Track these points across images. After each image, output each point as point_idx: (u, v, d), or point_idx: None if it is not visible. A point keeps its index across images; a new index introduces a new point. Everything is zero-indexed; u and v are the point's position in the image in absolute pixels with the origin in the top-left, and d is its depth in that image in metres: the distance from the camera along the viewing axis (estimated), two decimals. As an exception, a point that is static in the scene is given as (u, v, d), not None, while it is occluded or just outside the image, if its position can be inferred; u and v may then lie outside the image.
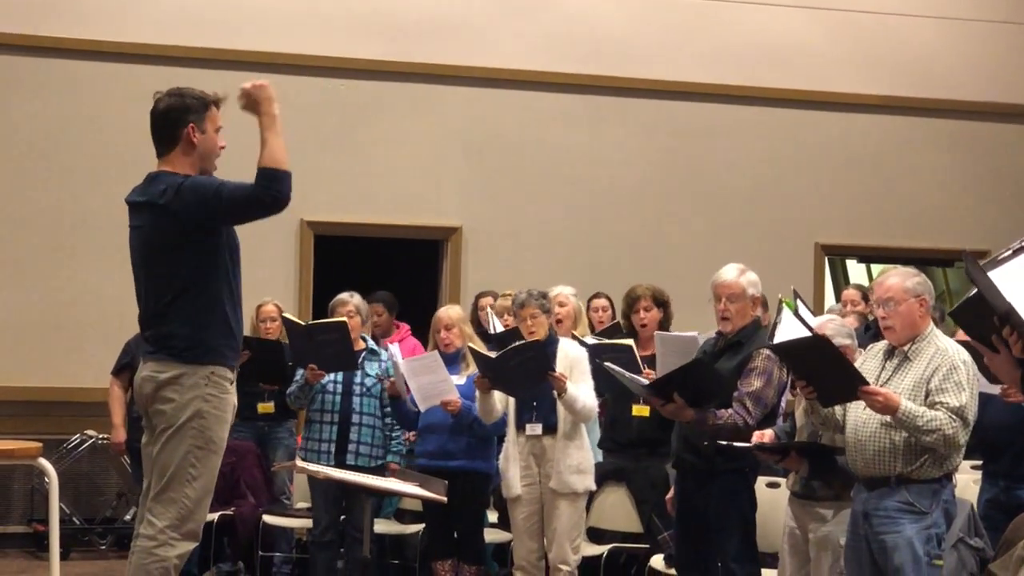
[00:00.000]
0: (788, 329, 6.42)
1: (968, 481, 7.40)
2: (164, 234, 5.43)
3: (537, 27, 12.42)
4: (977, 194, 13.46)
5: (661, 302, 8.56)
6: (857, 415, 5.97)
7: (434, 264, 12.41)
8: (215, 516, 8.88)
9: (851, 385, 5.77)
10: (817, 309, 10.92)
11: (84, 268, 11.24)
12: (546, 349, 7.63)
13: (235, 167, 5.62)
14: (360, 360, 8.52)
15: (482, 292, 10.59)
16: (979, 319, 4.04)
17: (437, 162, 12.18)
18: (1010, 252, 4.02)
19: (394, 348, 8.70)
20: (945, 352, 5.86)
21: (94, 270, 11.13)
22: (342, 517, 8.51)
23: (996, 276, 3.93)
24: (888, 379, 5.93)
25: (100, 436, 10.63)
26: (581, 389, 7.63)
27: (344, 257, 12.05)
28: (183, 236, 5.40)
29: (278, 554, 9.47)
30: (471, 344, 8.11)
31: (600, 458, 8.21)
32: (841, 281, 14.36)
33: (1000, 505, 7.09)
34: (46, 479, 7.56)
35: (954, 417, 5.75)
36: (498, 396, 7.77)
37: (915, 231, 13.33)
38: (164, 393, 5.43)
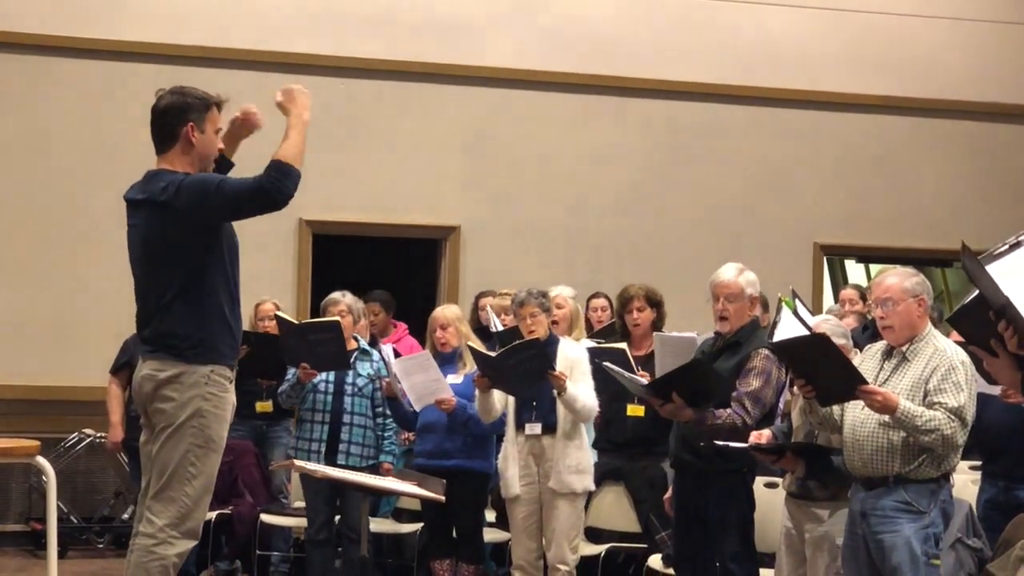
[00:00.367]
0: (787, 328, 6.43)
1: (966, 481, 7.40)
2: (164, 232, 5.42)
3: (535, 27, 12.42)
4: (976, 194, 13.46)
5: (654, 302, 8.54)
6: (855, 415, 5.97)
7: (432, 263, 12.40)
8: (213, 515, 8.88)
9: (850, 384, 5.77)
10: (816, 309, 10.92)
11: (82, 266, 11.23)
12: (546, 348, 7.62)
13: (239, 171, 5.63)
14: (352, 360, 8.51)
15: (482, 292, 10.59)
16: (977, 323, 4.03)
17: (436, 161, 12.18)
18: (1007, 247, 4.01)
19: (387, 348, 8.70)
20: (943, 352, 5.86)
21: (92, 268, 11.12)
22: (336, 516, 8.51)
23: (993, 271, 3.92)
24: (886, 379, 5.93)
25: (98, 435, 10.63)
26: (581, 389, 7.62)
27: (342, 256, 12.05)
28: (183, 234, 5.39)
29: (276, 553, 9.47)
30: (470, 343, 8.10)
31: (595, 458, 8.21)
32: (840, 281, 14.36)
33: (999, 506, 7.10)
34: (44, 478, 7.56)
35: (952, 417, 5.75)
36: (497, 395, 7.77)
37: (914, 231, 13.33)
38: (164, 392, 5.43)
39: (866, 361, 6.10)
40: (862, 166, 13.21)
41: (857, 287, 10.87)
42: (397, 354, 8.81)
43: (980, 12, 13.53)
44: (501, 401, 7.82)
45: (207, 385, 5.42)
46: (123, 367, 9.39)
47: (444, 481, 6.63)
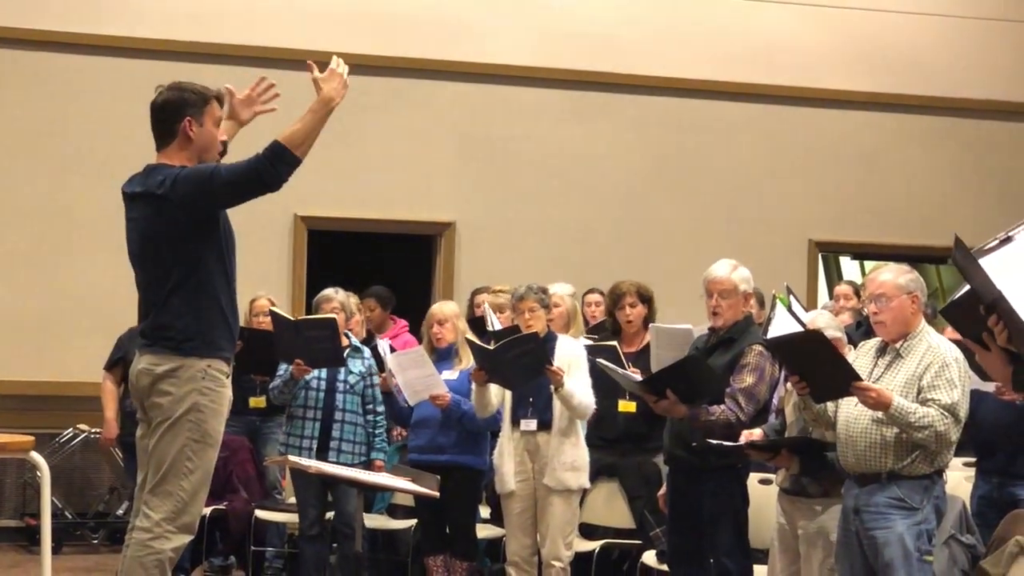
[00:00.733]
0: (782, 325, 6.44)
1: (960, 478, 7.41)
2: (162, 225, 5.42)
3: (529, 23, 12.42)
4: (970, 191, 13.48)
5: (646, 298, 8.54)
6: (849, 411, 5.98)
7: (427, 259, 12.40)
8: (207, 511, 8.86)
9: (844, 381, 5.78)
10: (810, 305, 10.93)
11: (76, 262, 11.23)
12: (544, 342, 7.62)
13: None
14: (344, 357, 8.50)
15: (478, 288, 10.59)
16: (969, 317, 4.03)
17: (430, 157, 12.18)
18: (997, 242, 4.02)
19: (384, 343, 8.68)
20: (937, 349, 5.87)
21: (86, 264, 11.12)
22: (329, 512, 8.51)
23: (984, 265, 3.93)
24: (880, 376, 5.94)
25: (92, 430, 10.62)
26: (578, 385, 7.62)
27: (337, 252, 12.05)
28: (180, 227, 5.39)
29: (270, 549, 9.47)
30: (468, 336, 8.09)
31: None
32: (834, 277, 14.36)
33: (993, 502, 7.11)
34: (38, 473, 7.55)
35: (946, 414, 5.76)
36: (494, 390, 7.77)
37: (908, 228, 13.34)
38: (161, 386, 5.42)
39: (860, 358, 6.10)
40: (856, 163, 13.22)
41: (852, 283, 10.88)
42: (392, 349, 8.82)
43: (971, 9, 13.54)
44: (498, 396, 7.82)
45: (204, 380, 5.42)
46: (117, 363, 9.39)
47: (438, 477, 6.63)
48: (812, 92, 13.05)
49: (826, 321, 6.67)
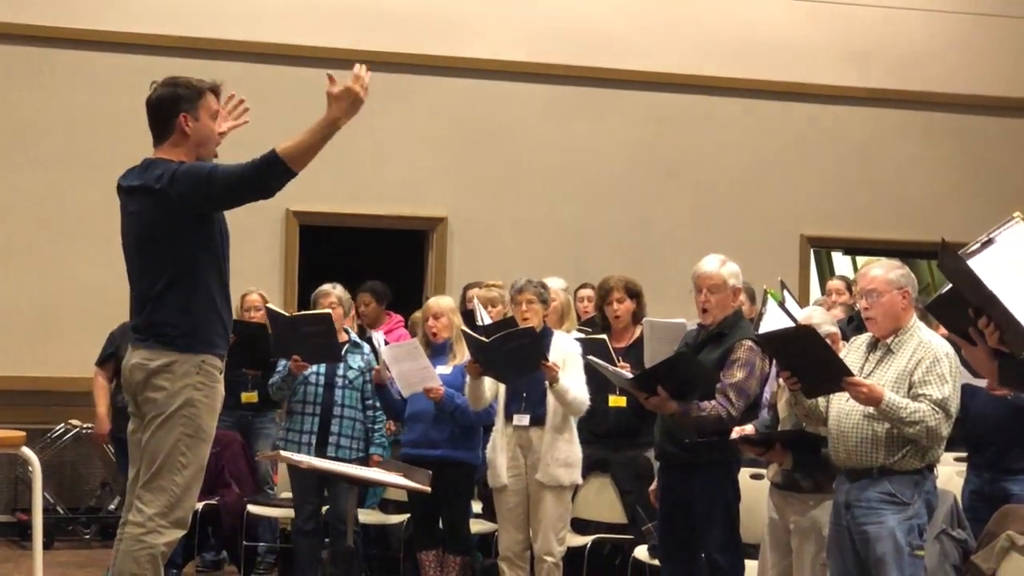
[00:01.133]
0: (773, 320, 6.44)
1: (952, 473, 7.42)
2: (159, 220, 5.42)
3: (523, 18, 12.42)
4: (962, 187, 13.49)
5: (634, 293, 8.53)
6: (840, 406, 5.98)
7: (420, 254, 12.40)
8: (199, 506, 8.86)
9: (835, 376, 5.79)
10: (802, 301, 10.93)
11: (68, 258, 11.22)
12: (540, 337, 7.61)
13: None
14: (343, 353, 8.50)
15: (469, 283, 10.59)
16: (956, 312, 4.04)
17: (423, 152, 12.18)
18: (979, 245, 4.03)
19: (378, 336, 8.68)
20: (928, 345, 5.88)
21: (78, 260, 11.11)
22: (324, 507, 8.51)
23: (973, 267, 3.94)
24: (871, 371, 5.95)
25: (84, 425, 10.62)
26: (573, 381, 7.61)
27: (329, 247, 12.05)
28: (176, 222, 5.39)
29: (262, 544, 9.48)
30: (464, 328, 8.08)
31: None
32: (827, 273, 14.39)
33: (984, 497, 7.12)
34: (30, 468, 7.54)
35: (937, 409, 5.76)
36: (488, 384, 7.76)
37: (900, 223, 13.36)
38: (155, 381, 5.42)
39: (851, 353, 6.11)
40: (848, 158, 13.23)
41: (844, 278, 10.88)
42: (385, 343, 8.82)
43: (963, 5, 13.56)
44: (491, 389, 7.81)
45: (198, 375, 5.42)
46: (109, 358, 9.38)
47: (429, 472, 6.63)
48: (804, 87, 13.06)
49: (821, 317, 6.68)
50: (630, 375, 7.04)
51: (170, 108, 5.52)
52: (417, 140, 12.16)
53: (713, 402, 6.75)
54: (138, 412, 5.53)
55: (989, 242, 4.03)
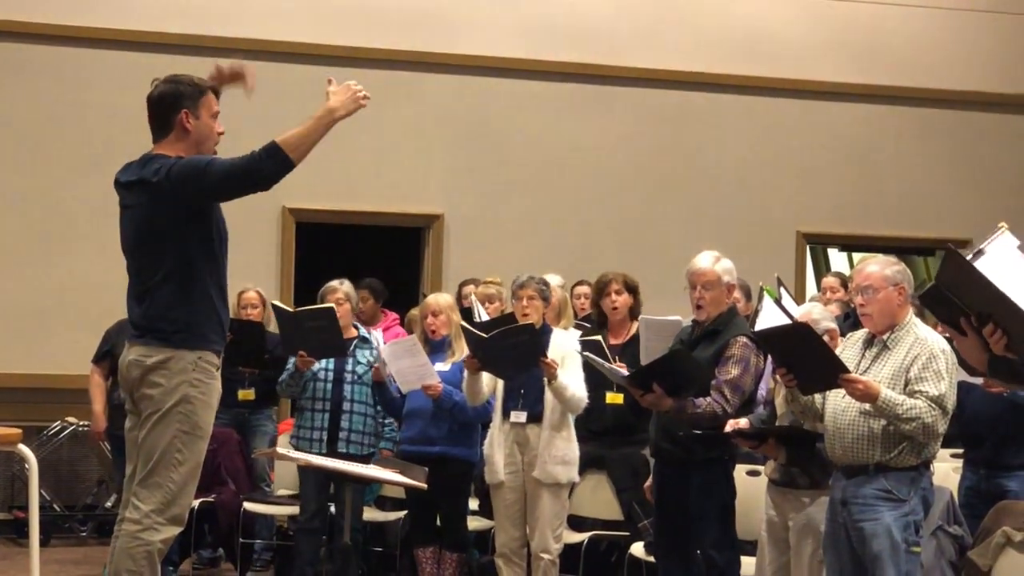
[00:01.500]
0: (769, 317, 6.45)
1: (948, 470, 7.43)
2: (156, 214, 5.42)
3: (520, 15, 12.41)
4: (958, 183, 13.50)
5: (631, 287, 8.54)
6: (836, 403, 5.98)
7: (416, 251, 12.40)
8: (196, 503, 8.85)
9: (832, 373, 5.79)
10: (799, 297, 10.94)
11: (65, 255, 11.22)
12: (539, 333, 7.61)
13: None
14: (352, 348, 8.50)
15: (465, 280, 10.61)
16: (947, 303, 4.06)
17: (419, 149, 12.18)
18: (970, 256, 4.06)
19: (377, 334, 8.68)
20: (924, 341, 5.88)
21: (75, 257, 11.11)
22: (330, 505, 8.51)
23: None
24: (867, 368, 5.95)
25: (81, 423, 10.61)
26: (572, 379, 7.61)
27: (326, 244, 12.04)
28: (174, 217, 5.39)
29: (259, 541, 9.48)
30: (463, 323, 8.08)
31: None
32: (823, 269, 14.38)
33: (980, 493, 7.14)
34: (26, 466, 7.54)
35: (933, 406, 5.77)
36: (486, 379, 7.75)
37: (897, 220, 13.37)
38: (152, 377, 5.42)
39: (847, 349, 6.11)
40: (845, 155, 13.24)
41: (839, 275, 10.88)
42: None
43: (962, 1, 13.57)
44: (489, 385, 7.81)
45: (195, 371, 5.42)
46: (105, 356, 9.37)
47: (426, 469, 6.63)
48: (802, 84, 13.06)
49: (820, 313, 6.68)
50: (625, 372, 7.05)
51: (171, 105, 5.52)
52: (414, 137, 12.15)
53: (708, 399, 6.75)
54: (135, 409, 5.53)
55: (979, 253, 4.06)
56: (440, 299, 8.55)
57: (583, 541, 8.23)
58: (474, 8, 12.33)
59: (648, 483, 7.41)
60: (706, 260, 7.01)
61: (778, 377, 6.11)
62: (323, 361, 8.43)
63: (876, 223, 13.34)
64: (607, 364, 7.18)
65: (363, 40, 11.95)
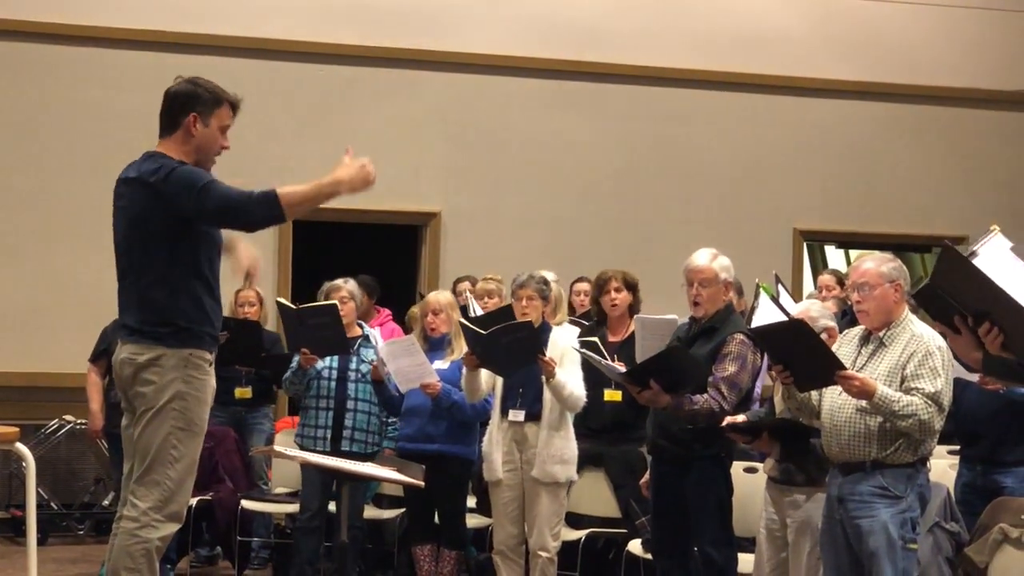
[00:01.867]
0: (765, 314, 6.45)
1: (945, 466, 7.43)
2: (148, 214, 5.42)
3: (516, 13, 12.41)
4: (955, 180, 13.51)
5: (631, 285, 8.53)
6: (833, 400, 5.99)
7: (413, 249, 12.40)
8: (193, 501, 8.84)
9: (828, 370, 5.79)
10: (795, 295, 10.95)
11: (62, 253, 11.21)
12: (538, 331, 7.60)
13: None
14: (356, 346, 8.49)
15: (459, 277, 10.61)
16: (941, 302, 4.06)
17: (416, 147, 12.17)
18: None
19: (375, 332, 8.68)
20: (920, 338, 5.89)
21: (72, 255, 11.10)
22: (331, 504, 8.51)
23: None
24: (864, 365, 5.96)
25: (78, 421, 10.61)
26: (570, 377, 7.61)
27: (323, 242, 12.03)
28: (165, 220, 5.39)
29: (256, 539, 9.48)
30: (462, 320, 8.08)
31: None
32: (820, 266, 14.38)
33: (977, 490, 7.14)
34: (24, 464, 7.54)
35: (930, 403, 5.77)
36: (485, 376, 7.75)
37: (893, 217, 13.38)
38: (144, 375, 5.43)
39: (843, 346, 6.12)
40: (841, 152, 13.25)
41: (835, 272, 10.87)
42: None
43: (957, -2, 13.59)
44: (488, 382, 7.81)
45: (187, 368, 5.43)
46: (102, 354, 9.36)
47: (423, 467, 6.62)
48: (798, 81, 13.07)
49: (819, 311, 6.69)
50: (622, 369, 7.05)
51: (184, 105, 5.52)
52: (411, 135, 12.15)
53: (705, 395, 6.75)
54: (130, 407, 5.54)
55: (973, 255, 4.07)
56: (441, 297, 8.55)
57: (581, 538, 8.23)
58: (470, 6, 12.32)
59: (644, 479, 7.42)
60: (703, 257, 7.02)
61: (775, 374, 6.11)
62: (327, 359, 8.43)
63: (873, 220, 13.35)
64: (604, 361, 7.18)
65: (359, 38, 11.95)
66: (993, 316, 3.92)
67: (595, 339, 8.22)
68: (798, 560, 6.44)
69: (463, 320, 7.94)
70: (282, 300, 8.98)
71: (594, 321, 8.78)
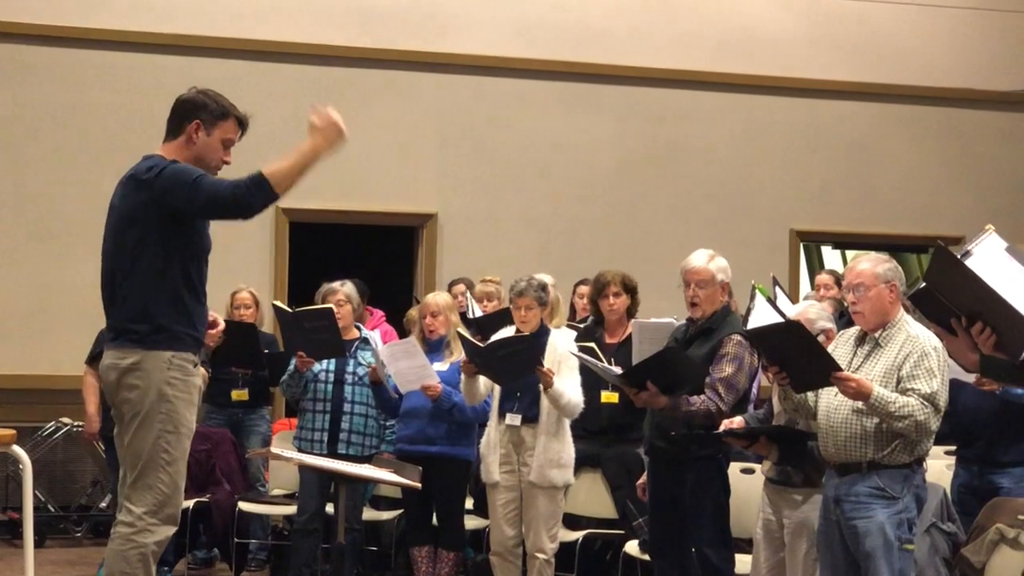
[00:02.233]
0: (761, 315, 6.44)
1: (942, 467, 7.44)
2: (138, 212, 5.42)
3: (513, 14, 12.42)
4: (951, 180, 13.52)
5: (630, 288, 8.54)
6: (829, 401, 5.99)
7: (410, 251, 12.40)
8: (190, 503, 8.87)
9: (824, 371, 5.79)
10: (792, 295, 10.96)
11: (59, 255, 11.20)
12: (536, 344, 7.59)
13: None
14: (353, 349, 8.49)
15: (455, 279, 10.61)
16: (937, 304, 4.06)
17: (412, 149, 12.17)
18: (958, 257, 4.06)
19: (375, 335, 8.68)
20: (916, 339, 5.89)
21: (68, 258, 11.09)
22: (329, 506, 8.50)
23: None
24: (860, 366, 5.96)
25: (75, 423, 10.60)
26: (568, 385, 7.60)
27: (320, 244, 12.04)
28: (156, 218, 5.39)
29: (254, 541, 9.47)
30: (459, 330, 8.08)
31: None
32: (816, 267, 14.38)
33: (973, 490, 7.14)
34: (20, 467, 7.54)
35: (926, 403, 5.78)
36: (483, 380, 7.76)
37: (890, 217, 13.38)
38: (127, 380, 5.43)
39: (839, 347, 6.12)
40: (837, 152, 13.25)
41: (832, 272, 10.89)
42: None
43: (955, -1, 13.60)
44: (486, 385, 7.81)
45: (170, 370, 5.42)
46: (98, 357, 9.22)
47: (420, 468, 6.62)
48: (794, 82, 13.08)
49: (816, 313, 6.68)
50: (619, 371, 7.05)
51: (189, 112, 5.55)
52: (407, 136, 12.15)
53: (702, 397, 6.76)
54: (118, 414, 5.54)
55: (967, 255, 4.06)
56: (439, 299, 8.55)
57: (578, 539, 8.24)
58: (467, 7, 12.32)
59: (641, 480, 7.42)
60: (700, 258, 7.02)
61: (771, 375, 6.11)
62: (324, 362, 8.43)
63: (869, 221, 13.35)
64: (600, 363, 7.18)
65: (355, 40, 11.95)
66: (985, 316, 3.92)
67: (592, 344, 8.22)
68: (795, 561, 6.44)
69: (461, 332, 7.93)
70: (278, 303, 8.98)
71: (592, 322, 8.78)
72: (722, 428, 6.55)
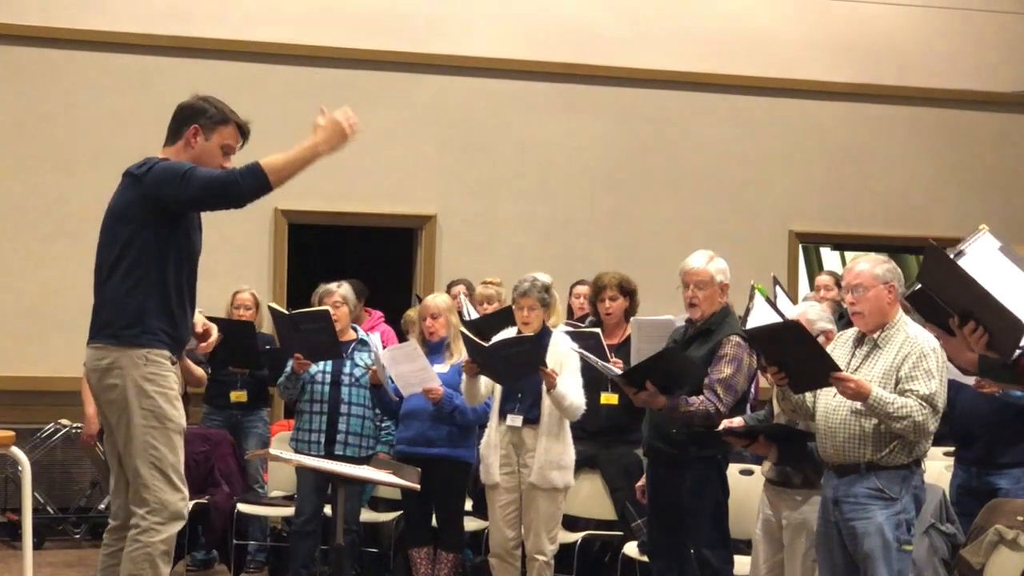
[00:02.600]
0: (760, 316, 6.45)
1: (940, 468, 7.44)
2: (128, 208, 5.44)
3: (511, 16, 12.41)
4: (950, 182, 13.52)
5: (627, 291, 8.54)
6: (827, 402, 5.99)
7: (408, 252, 12.40)
8: (189, 504, 8.85)
9: (823, 371, 5.79)
10: (791, 297, 10.95)
11: (57, 257, 11.19)
12: (540, 344, 7.59)
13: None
14: (350, 350, 8.49)
15: (454, 280, 10.61)
16: (935, 304, 4.06)
17: (411, 150, 12.17)
18: (951, 256, 4.07)
19: (375, 337, 8.68)
20: (915, 340, 5.89)
21: (67, 259, 11.08)
22: (327, 507, 8.50)
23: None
24: (858, 366, 5.96)
25: (74, 425, 10.60)
26: (570, 386, 7.60)
27: (319, 245, 12.04)
28: (144, 215, 5.39)
29: (252, 542, 9.47)
30: (462, 329, 8.08)
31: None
32: (815, 268, 14.39)
33: (972, 491, 7.15)
34: (19, 468, 7.54)
35: (924, 404, 5.78)
36: (484, 380, 7.75)
37: (889, 218, 13.39)
38: (106, 381, 5.44)
39: (838, 348, 6.12)
40: (836, 154, 13.25)
41: (832, 273, 10.88)
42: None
43: (952, 0, 13.57)
44: (487, 386, 7.80)
45: (146, 366, 5.41)
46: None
47: (419, 470, 6.62)
48: (793, 83, 13.07)
49: (816, 314, 6.68)
50: (619, 370, 7.06)
51: (188, 116, 5.57)
52: (406, 138, 12.15)
53: (701, 397, 6.76)
54: (105, 420, 5.54)
55: (960, 254, 4.07)
56: (439, 300, 8.55)
57: (577, 541, 8.24)
58: (465, 10, 12.32)
59: (640, 482, 7.42)
60: (699, 259, 7.02)
61: (769, 375, 6.12)
62: (321, 364, 8.43)
63: (868, 222, 13.35)
64: (600, 362, 7.18)
65: (352, 41, 11.95)
66: (977, 315, 3.92)
67: (597, 330, 8.22)
68: (794, 561, 6.44)
69: (464, 331, 7.92)
70: (274, 305, 8.98)
71: (590, 323, 8.79)
72: (722, 427, 6.55)
